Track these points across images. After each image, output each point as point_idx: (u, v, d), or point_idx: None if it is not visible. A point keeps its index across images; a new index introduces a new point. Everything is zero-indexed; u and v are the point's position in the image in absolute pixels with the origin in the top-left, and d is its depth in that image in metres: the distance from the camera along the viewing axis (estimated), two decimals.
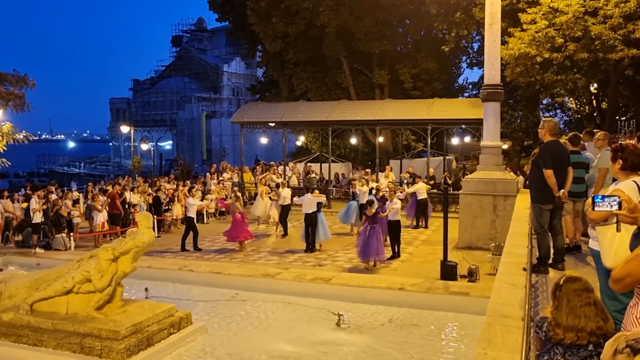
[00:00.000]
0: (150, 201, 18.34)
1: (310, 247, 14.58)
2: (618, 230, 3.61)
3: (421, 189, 17.60)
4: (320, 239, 14.76)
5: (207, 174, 25.02)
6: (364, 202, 15.29)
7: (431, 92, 29.25)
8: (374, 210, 12.78)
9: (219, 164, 27.40)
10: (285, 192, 17.21)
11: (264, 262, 13.52)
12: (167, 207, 18.90)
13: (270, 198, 18.31)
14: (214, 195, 20.64)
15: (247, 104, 30.50)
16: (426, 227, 18.00)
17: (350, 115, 23.04)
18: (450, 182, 21.76)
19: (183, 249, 15.14)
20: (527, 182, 11.87)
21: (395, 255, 13.53)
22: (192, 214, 15.53)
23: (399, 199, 13.52)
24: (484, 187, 14.24)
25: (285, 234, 17.00)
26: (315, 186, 23.66)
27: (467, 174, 19.66)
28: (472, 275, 10.87)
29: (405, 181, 21.34)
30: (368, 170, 23.87)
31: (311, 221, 14.56)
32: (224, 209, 20.77)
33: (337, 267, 12.86)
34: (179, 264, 13.12)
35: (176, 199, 19.15)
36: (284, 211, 17.11)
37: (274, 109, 25.27)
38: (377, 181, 20.86)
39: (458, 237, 14.38)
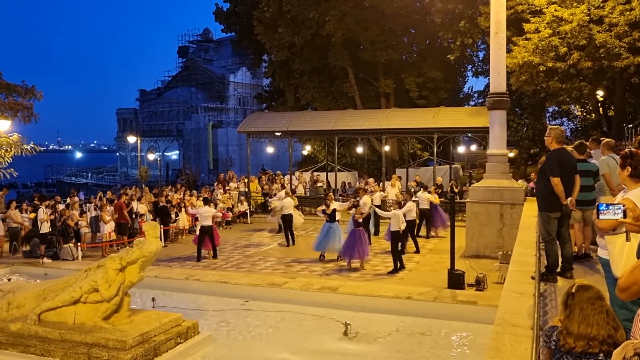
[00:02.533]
0: (150, 208, 18.37)
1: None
2: (628, 239, 3.58)
3: (422, 199, 17.22)
4: (327, 249, 14.70)
5: (216, 183, 25.08)
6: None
7: (437, 101, 29.29)
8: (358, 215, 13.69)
9: (226, 173, 27.44)
10: (287, 202, 17.21)
11: (270, 272, 13.49)
12: (175, 217, 18.89)
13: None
14: (221, 204, 20.68)
15: (253, 114, 30.60)
16: (427, 237, 17.43)
17: (356, 125, 23.08)
18: (456, 190, 21.71)
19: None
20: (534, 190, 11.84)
21: (395, 270, 12.97)
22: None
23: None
24: (490, 195, 14.20)
25: (289, 244, 16.88)
26: (323, 194, 23.70)
27: (473, 182, 19.62)
28: (479, 284, 10.81)
29: (413, 190, 21.24)
30: (370, 180, 23.84)
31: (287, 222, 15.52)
32: (229, 219, 20.90)
33: (344, 276, 12.82)
34: (186, 274, 13.11)
35: (183, 208, 19.16)
36: (286, 221, 17.05)
37: (280, 119, 25.34)
38: (383, 190, 20.84)
39: (465, 245, 14.32)
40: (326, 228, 14.69)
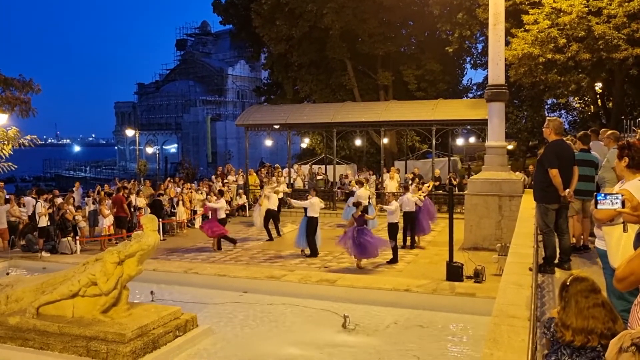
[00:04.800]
0: (148, 201, 18.40)
1: (316, 252, 14.36)
2: (625, 230, 3.58)
3: (406, 201, 14.83)
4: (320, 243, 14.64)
5: (213, 176, 25.08)
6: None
7: (435, 93, 29.24)
8: (359, 213, 13.00)
9: (224, 166, 27.42)
10: (274, 198, 17.14)
11: (269, 265, 13.51)
12: (171, 210, 18.86)
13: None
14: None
15: (251, 107, 30.57)
16: (412, 246, 15.03)
17: (354, 117, 23.05)
18: (455, 182, 21.71)
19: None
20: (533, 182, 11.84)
21: (393, 260, 13.17)
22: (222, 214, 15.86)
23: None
24: (489, 187, 14.20)
25: (270, 239, 16.76)
26: (323, 187, 23.69)
27: (472, 175, 19.61)
28: (478, 276, 10.83)
29: (410, 182, 21.26)
30: (348, 172, 23.80)
31: (316, 225, 14.40)
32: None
33: (343, 269, 12.83)
34: (185, 267, 13.12)
35: (181, 202, 19.13)
36: (268, 216, 16.84)
37: (279, 111, 25.31)
38: (381, 182, 20.88)
39: (464, 238, 14.33)
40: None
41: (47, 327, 8.55)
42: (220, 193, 17.12)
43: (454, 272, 11.02)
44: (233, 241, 15.85)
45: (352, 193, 18.09)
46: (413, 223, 14.99)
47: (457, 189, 20.38)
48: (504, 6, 14.72)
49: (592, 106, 30.15)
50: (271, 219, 16.90)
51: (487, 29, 16.11)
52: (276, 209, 17.21)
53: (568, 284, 3.46)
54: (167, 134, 68.38)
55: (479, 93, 35.15)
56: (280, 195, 18.39)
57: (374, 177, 24.48)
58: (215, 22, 75.38)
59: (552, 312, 3.72)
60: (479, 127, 21.38)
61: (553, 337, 3.47)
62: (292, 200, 16.20)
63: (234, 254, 14.95)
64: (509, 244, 8.95)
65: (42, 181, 62.25)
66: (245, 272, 12.50)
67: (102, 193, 18.29)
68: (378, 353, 8.37)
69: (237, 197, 22.66)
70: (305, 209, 14.57)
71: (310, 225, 14.31)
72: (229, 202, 21.38)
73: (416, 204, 14.84)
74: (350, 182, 21.84)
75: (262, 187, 23.74)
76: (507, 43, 18.25)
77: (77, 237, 15.84)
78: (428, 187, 17.97)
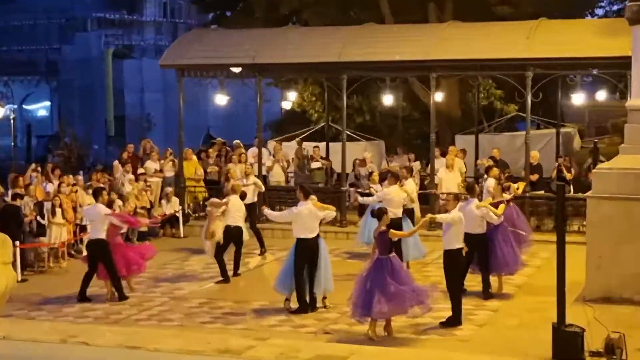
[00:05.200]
0: None
1: (310, 304, 14.48)
2: None
3: (470, 213, 14.89)
4: (322, 288, 14.69)
5: (116, 162, 24.97)
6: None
7: (532, 10, 29.19)
8: (383, 227, 13.03)
9: (139, 145, 27.27)
10: (234, 203, 17.26)
11: (221, 327, 13.55)
12: (38, 224, 18.84)
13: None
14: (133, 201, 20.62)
15: (189, 32, 30.59)
16: (486, 294, 15.34)
17: (381, 54, 22.99)
18: (569, 176, 21.71)
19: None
20: None
21: (454, 320, 13.31)
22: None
23: None
24: (634, 185, 14.16)
25: (224, 279, 16.95)
26: (321, 183, 23.65)
27: (601, 161, 19.59)
28: (613, 352, 10.79)
29: (485, 176, 21.24)
30: (367, 155, 23.99)
31: (313, 254, 14.46)
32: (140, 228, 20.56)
33: (356, 334, 12.88)
34: (63, 332, 13.03)
35: (58, 209, 19.07)
36: (227, 237, 17.00)
37: (240, 41, 25.26)
38: (432, 174, 20.87)
39: (586, 279, 14.36)
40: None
41: None
42: (95, 192, 16.98)
43: (568, 344, 11.01)
44: (81, 295, 15.67)
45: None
46: (485, 252, 15.03)
47: (572, 187, 20.37)
48: None
49: None
50: (232, 243, 16.87)
51: None
52: (241, 224, 17.14)
53: None
54: (30, 82, 68.39)
55: (614, 8, 35.21)
56: (253, 197, 18.35)
57: (417, 164, 24.48)
58: None
59: None
60: (614, 73, 21.35)
61: None
62: (267, 211, 16.12)
63: (157, 307, 14.98)
64: None
65: None
66: (176, 341, 12.45)
67: None
68: None
69: (164, 202, 22.62)
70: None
71: (301, 255, 14.35)
72: (148, 210, 21.35)
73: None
74: (371, 173, 21.79)
75: (208, 183, 23.72)
76: None
77: None
78: (517, 189, 17.88)
